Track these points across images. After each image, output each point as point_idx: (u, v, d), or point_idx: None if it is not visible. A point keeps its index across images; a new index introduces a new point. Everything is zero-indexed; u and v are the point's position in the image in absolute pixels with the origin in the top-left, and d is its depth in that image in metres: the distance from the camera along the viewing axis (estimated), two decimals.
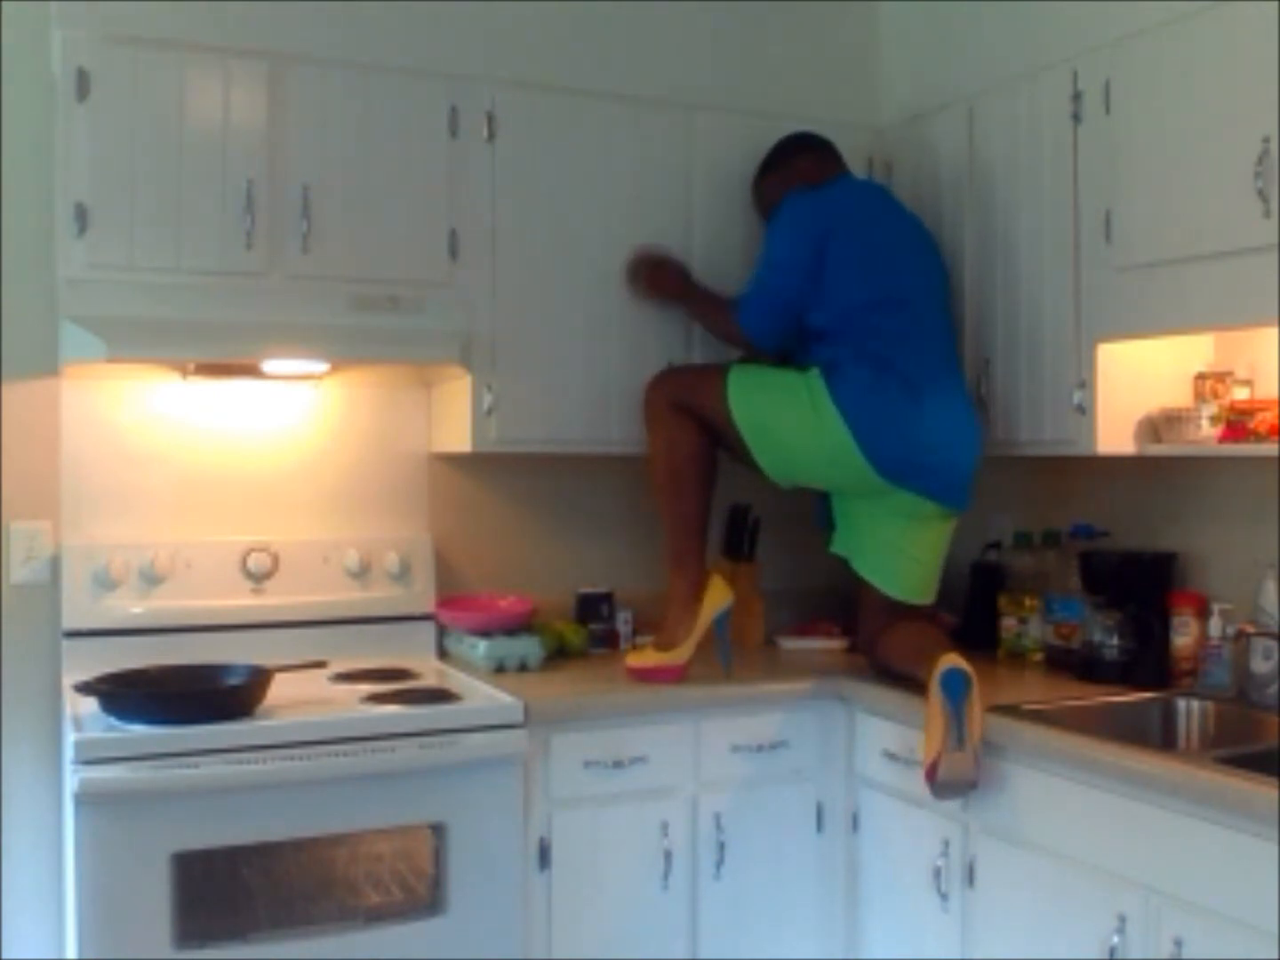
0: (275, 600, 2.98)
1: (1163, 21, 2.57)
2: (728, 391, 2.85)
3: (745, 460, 2.90)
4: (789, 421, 2.82)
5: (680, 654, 2.84)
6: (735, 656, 2.95)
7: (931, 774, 2.46)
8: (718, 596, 2.88)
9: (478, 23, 2.98)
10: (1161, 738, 2.66)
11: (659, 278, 3.09)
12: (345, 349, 2.78)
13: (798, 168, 3.08)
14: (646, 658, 2.88)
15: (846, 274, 2.86)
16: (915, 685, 2.62)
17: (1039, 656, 3.06)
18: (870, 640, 2.95)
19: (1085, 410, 2.76)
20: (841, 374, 2.79)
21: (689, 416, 2.87)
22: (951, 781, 2.45)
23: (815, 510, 3.15)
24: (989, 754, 2.47)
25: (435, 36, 2.93)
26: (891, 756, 2.75)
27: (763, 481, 2.96)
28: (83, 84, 2.62)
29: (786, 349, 2.99)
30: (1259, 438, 2.60)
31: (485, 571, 3.30)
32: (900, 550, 2.90)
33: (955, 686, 2.45)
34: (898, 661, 2.81)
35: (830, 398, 2.76)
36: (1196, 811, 2.08)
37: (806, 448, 2.82)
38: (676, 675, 2.83)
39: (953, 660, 2.51)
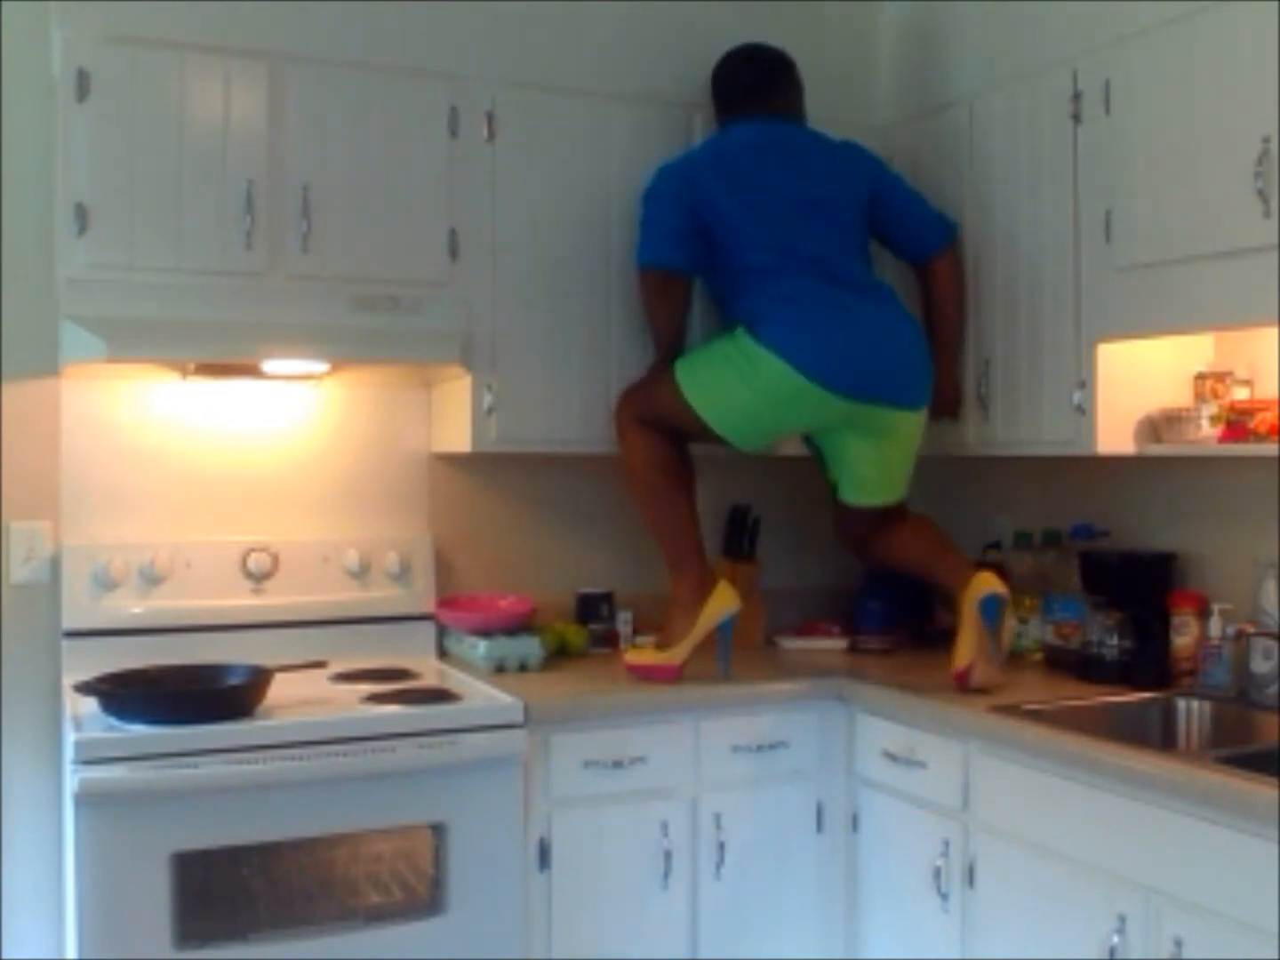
0: (275, 600, 2.98)
1: (1163, 21, 2.57)
2: (678, 382, 2.90)
3: (720, 441, 2.92)
4: (734, 383, 2.84)
5: (676, 654, 2.85)
6: (735, 656, 2.95)
7: (964, 678, 2.71)
8: (723, 602, 2.89)
9: (478, 23, 2.97)
10: (1161, 738, 2.66)
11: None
12: (345, 349, 2.77)
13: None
14: (644, 655, 2.90)
15: (730, 234, 2.91)
16: (926, 585, 2.86)
17: (1039, 656, 3.06)
18: (860, 541, 3.08)
19: (1085, 410, 2.76)
20: (762, 319, 2.83)
21: (652, 429, 2.92)
22: (983, 686, 2.70)
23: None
24: (989, 754, 2.49)
25: (435, 36, 2.93)
26: (891, 756, 2.75)
27: (759, 476, 2.97)
28: (83, 84, 2.62)
29: (702, 272, 3.02)
30: (1259, 438, 2.60)
31: (485, 571, 3.30)
32: (883, 467, 2.98)
33: (992, 610, 2.75)
34: (907, 564, 3.03)
35: (760, 344, 2.80)
36: (1196, 811, 2.08)
37: (759, 401, 2.83)
38: (671, 675, 2.84)
39: (988, 586, 2.76)
